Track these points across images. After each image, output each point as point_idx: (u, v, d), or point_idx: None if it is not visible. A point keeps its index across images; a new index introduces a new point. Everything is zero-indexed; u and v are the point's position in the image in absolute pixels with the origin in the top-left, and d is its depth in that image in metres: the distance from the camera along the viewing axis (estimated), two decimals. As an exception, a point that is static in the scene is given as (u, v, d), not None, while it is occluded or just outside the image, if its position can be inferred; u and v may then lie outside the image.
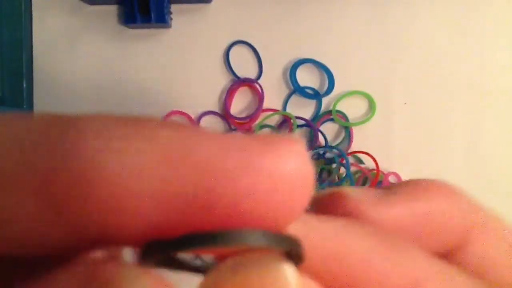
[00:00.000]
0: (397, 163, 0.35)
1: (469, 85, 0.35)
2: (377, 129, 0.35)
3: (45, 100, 0.35)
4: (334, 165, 0.34)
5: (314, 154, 0.35)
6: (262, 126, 0.35)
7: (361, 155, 0.35)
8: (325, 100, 0.35)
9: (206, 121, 0.35)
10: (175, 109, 0.35)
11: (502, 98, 0.35)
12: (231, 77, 0.35)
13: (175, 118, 0.35)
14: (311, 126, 0.34)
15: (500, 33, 0.35)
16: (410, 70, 0.35)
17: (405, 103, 0.35)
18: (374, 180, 0.33)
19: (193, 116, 0.35)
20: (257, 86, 0.35)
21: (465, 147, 0.35)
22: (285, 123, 0.35)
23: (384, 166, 0.34)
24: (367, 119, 0.35)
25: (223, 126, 0.35)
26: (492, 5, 0.35)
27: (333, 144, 0.35)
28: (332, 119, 0.35)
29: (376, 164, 0.34)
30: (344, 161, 0.34)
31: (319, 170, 0.34)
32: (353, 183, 0.33)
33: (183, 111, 0.34)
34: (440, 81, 0.35)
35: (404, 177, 0.35)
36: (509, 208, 0.34)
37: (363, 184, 0.34)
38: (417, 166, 0.35)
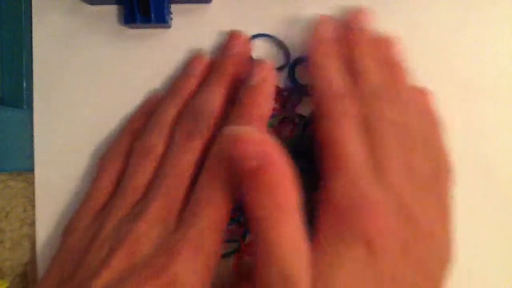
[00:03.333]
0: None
1: (469, 85, 0.35)
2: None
3: (45, 100, 0.35)
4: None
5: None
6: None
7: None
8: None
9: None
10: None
11: (502, 98, 0.35)
12: (231, 77, 0.35)
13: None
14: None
15: (501, 33, 0.35)
16: (409, 70, 0.35)
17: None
18: None
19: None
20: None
21: (464, 147, 0.35)
22: (286, 118, 0.35)
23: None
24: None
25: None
26: (493, 5, 0.35)
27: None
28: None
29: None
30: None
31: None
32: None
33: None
34: (440, 81, 0.35)
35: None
36: (509, 208, 0.34)
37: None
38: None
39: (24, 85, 0.35)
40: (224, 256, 0.34)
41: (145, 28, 0.35)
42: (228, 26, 0.35)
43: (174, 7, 0.35)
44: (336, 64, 0.30)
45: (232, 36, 0.33)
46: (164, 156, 0.29)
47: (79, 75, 0.35)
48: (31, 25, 0.35)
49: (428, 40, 0.35)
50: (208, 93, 0.30)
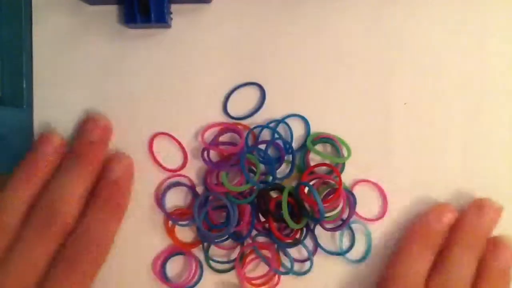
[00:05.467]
0: (396, 165, 0.35)
1: (469, 86, 0.35)
2: (376, 128, 0.35)
3: (45, 100, 0.35)
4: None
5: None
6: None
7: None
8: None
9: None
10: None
11: (503, 98, 0.35)
12: (231, 77, 0.35)
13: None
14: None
15: (501, 33, 0.35)
16: (409, 70, 0.35)
17: (405, 103, 0.35)
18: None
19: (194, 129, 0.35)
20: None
21: (464, 148, 0.35)
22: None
23: (384, 171, 0.34)
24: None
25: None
26: (492, 5, 0.35)
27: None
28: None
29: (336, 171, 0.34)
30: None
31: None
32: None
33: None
34: (439, 82, 0.35)
35: (403, 181, 0.35)
36: (509, 209, 0.34)
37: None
38: (416, 167, 0.35)
39: (24, 85, 0.35)
40: (221, 272, 0.34)
41: (145, 28, 0.35)
42: (228, 26, 0.35)
43: (174, 7, 0.35)
44: (427, 258, 0.31)
45: (90, 121, 0.33)
46: (16, 243, 0.30)
47: (79, 75, 0.35)
48: (31, 25, 0.35)
49: (428, 39, 0.35)
50: (64, 187, 0.31)
